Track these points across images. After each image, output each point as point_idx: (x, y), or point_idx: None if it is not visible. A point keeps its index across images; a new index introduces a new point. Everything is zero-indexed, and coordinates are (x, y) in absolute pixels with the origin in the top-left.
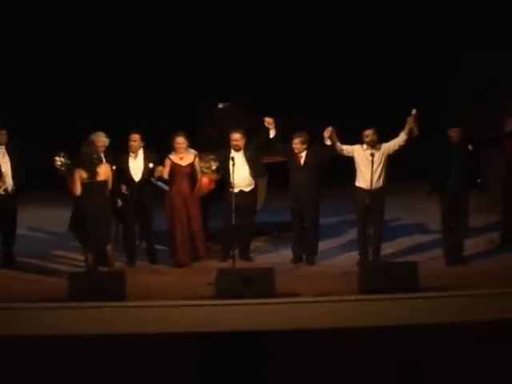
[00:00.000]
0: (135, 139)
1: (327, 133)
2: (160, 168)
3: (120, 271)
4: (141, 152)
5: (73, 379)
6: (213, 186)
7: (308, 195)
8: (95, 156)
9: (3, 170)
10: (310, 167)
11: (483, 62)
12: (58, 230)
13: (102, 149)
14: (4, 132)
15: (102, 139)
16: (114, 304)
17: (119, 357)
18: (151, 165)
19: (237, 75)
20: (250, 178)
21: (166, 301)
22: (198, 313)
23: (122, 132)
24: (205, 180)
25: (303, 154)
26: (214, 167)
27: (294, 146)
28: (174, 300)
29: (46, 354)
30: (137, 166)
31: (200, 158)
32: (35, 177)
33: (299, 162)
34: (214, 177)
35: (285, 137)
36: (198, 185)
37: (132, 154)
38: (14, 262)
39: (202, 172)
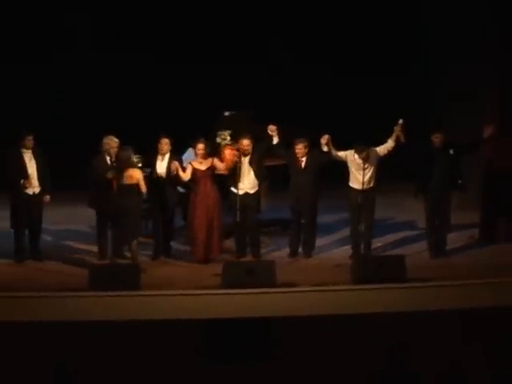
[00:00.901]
0: (166, 142)
1: (324, 140)
2: (176, 164)
3: (135, 264)
4: (167, 156)
5: (92, 361)
6: (236, 154)
7: (307, 195)
8: (126, 161)
9: (29, 172)
10: (310, 170)
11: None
12: (79, 226)
13: (115, 150)
14: (31, 138)
15: (114, 141)
16: (129, 293)
17: (135, 341)
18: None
19: (245, 86)
20: (255, 181)
21: (176, 290)
22: (205, 301)
23: (151, 138)
24: (228, 152)
25: (304, 158)
26: (228, 137)
27: (296, 150)
28: (184, 290)
29: (69, 339)
30: (162, 167)
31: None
32: (57, 178)
33: (300, 165)
34: (233, 146)
35: (286, 142)
36: (224, 160)
37: (160, 157)
38: (40, 256)
39: (221, 146)
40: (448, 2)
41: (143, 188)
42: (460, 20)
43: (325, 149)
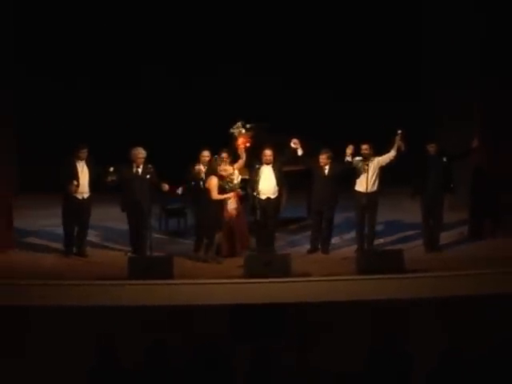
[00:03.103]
0: (207, 155)
1: (349, 150)
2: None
3: (169, 256)
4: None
5: (131, 342)
6: (249, 142)
7: (328, 199)
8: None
9: (80, 180)
10: (331, 177)
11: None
12: (118, 224)
13: (142, 160)
14: (85, 151)
15: (140, 152)
16: (164, 282)
17: (168, 324)
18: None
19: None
20: (276, 187)
21: (205, 279)
22: (229, 289)
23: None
24: (242, 140)
25: (327, 167)
26: (241, 127)
27: (321, 160)
28: (211, 279)
29: (111, 322)
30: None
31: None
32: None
33: (323, 173)
34: (248, 134)
35: (309, 154)
36: (238, 147)
37: (203, 165)
38: (85, 253)
39: (236, 136)
40: (444, 35)
41: (211, 194)
42: (453, 51)
43: (349, 159)
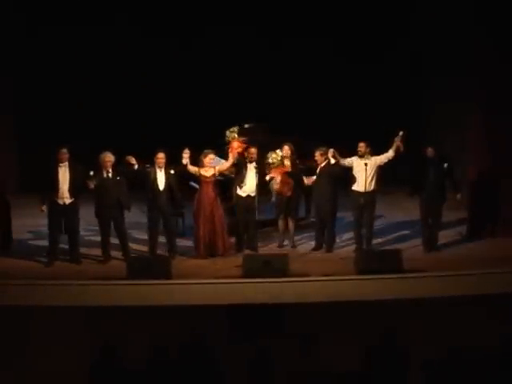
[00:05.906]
0: (162, 157)
1: (330, 153)
2: (187, 152)
3: (167, 256)
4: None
5: (130, 342)
6: (243, 147)
7: (325, 197)
8: None
9: (60, 184)
10: (327, 174)
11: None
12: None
13: (109, 164)
14: (64, 151)
15: (108, 156)
16: (162, 282)
17: (167, 324)
18: (172, 171)
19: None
20: (255, 186)
21: (203, 279)
22: (227, 289)
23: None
24: (237, 145)
25: (323, 165)
26: (236, 132)
27: (316, 157)
28: (209, 279)
29: (110, 322)
30: (161, 177)
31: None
32: None
33: (317, 171)
34: (242, 139)
35: (303, 153)
36: (232, 150)
37: (158, 168)
38: (78, 261)
39: (230, 140)
40: (436, 19)
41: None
42: (449, 38)
43: (332, 161)
